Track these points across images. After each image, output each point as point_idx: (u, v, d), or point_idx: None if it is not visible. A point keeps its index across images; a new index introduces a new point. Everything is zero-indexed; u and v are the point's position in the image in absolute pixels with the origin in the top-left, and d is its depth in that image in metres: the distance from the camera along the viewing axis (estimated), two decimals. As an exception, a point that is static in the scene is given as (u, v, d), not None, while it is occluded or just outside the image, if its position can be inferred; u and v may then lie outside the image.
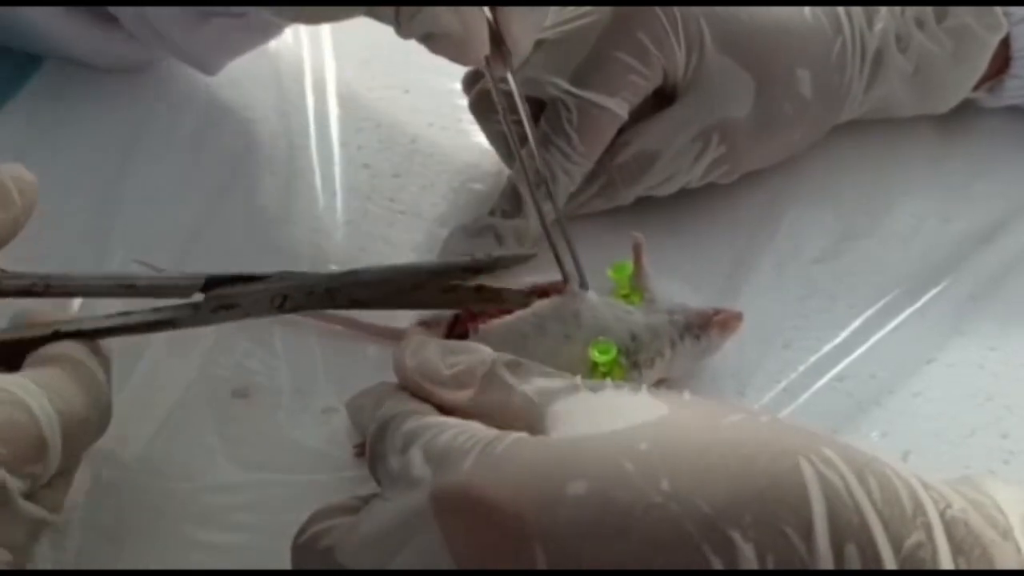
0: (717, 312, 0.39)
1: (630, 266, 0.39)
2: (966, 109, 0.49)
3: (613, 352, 0.37)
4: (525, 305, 0.38)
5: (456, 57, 0.37)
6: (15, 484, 0.29)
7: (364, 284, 0.36)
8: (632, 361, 0.38)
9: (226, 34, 0.50)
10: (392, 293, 0.37)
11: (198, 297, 0.35)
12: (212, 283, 0.35)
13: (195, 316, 0.36)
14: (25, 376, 0.31)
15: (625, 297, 0.39)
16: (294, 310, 0.36)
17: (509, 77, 0.38)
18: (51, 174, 0.38)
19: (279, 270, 0.36)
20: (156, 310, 0.36)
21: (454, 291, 0.38)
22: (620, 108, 0.43)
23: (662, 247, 0.43)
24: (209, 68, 0.52)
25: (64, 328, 0.34)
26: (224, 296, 0.35)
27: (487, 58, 0.37)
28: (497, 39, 0.36)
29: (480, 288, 0.38)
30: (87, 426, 0.32)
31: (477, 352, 0.34)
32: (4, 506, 0.29)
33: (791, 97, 0.44)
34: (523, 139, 0.39)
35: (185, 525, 0.37)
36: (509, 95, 0.39)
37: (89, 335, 0.34)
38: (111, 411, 0.33)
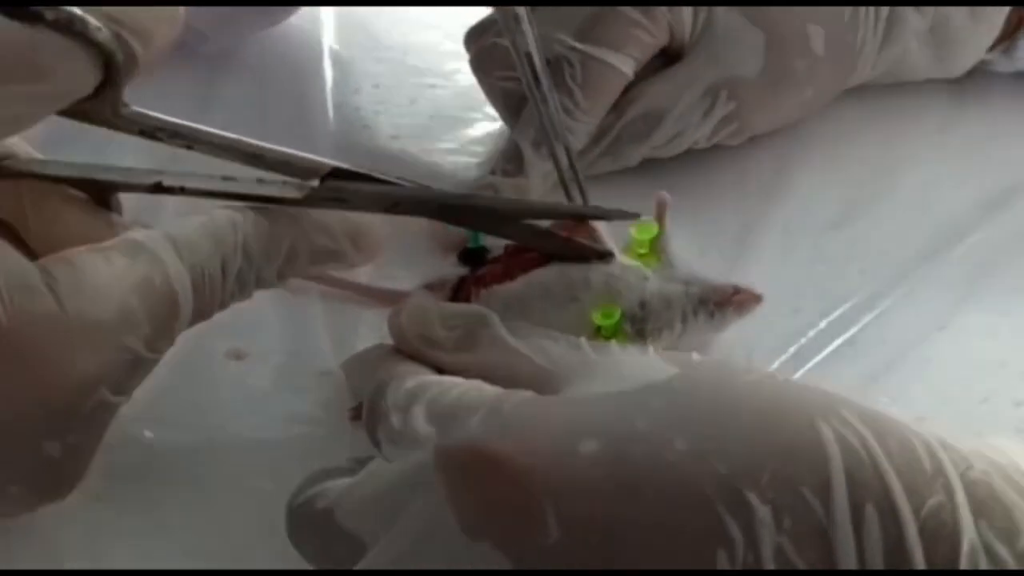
0: (737, 291, 0.37)
1: (655, 228, 0.38)
2: (978, 74, 0.49)
3: (616, 315, 0.35)
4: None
5: None
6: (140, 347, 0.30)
7: (474, 209, 0.36)
8: (637, 329, 0.36)
9: (234, 14, 0.49)
10: (495, 222, 0.37)
11: (313, 183, 0.34)
12: (337, 174, 0.35)
13: (302, 199, 0.34)
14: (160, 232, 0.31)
15: (641, 257, 0.38)
16: (403, 214, 0.35)
17: (526, 25, 0.37)
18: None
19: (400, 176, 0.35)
20: (260, 182, 0.34)
21: (546, 237, 0.37)
22: (624, 64, 0.42)
23: (669, 211, 0.42)
24: (209, 46, 0.50)
25: (167, 182, 0.33)
26: (339, 189, 0.34)
27: None
28: None
29: (568, 240, 0.37)
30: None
31: (477, 314, 0.33)
32: (135, 368, 0.31)
33: (803, 54, 0.43)
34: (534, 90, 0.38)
35: (177, 487, 0.36)
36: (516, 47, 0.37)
37: (190, 194, 0.33)
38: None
